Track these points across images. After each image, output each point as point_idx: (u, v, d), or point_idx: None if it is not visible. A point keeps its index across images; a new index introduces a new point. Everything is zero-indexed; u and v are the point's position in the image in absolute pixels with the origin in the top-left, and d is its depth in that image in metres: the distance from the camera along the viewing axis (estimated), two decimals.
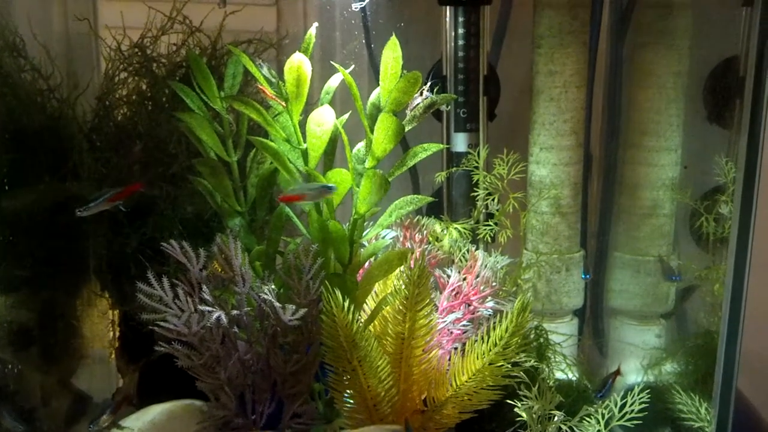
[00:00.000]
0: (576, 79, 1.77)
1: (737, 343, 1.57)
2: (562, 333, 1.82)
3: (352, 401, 1.45)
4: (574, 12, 1.75)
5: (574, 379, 1.78)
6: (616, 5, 1.87)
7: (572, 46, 1.76)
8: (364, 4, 1.59)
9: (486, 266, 1.61)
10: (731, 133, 1.85)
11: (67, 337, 1.83)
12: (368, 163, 1.47)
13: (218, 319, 1.34)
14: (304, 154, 1.49)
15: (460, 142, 1.82)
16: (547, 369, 1.69)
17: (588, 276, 1.84)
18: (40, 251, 1.69)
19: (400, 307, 1.40)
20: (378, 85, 1.46)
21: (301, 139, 1.49)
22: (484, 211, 1.77)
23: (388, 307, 1.45)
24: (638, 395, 1.57)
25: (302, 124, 1.48)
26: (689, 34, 1.79)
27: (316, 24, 1.49)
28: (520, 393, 1.55)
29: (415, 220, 1.71)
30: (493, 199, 1.75)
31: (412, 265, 1.38)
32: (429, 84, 1.47)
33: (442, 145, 1.62)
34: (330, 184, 1.43)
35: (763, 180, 1.52)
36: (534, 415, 1.48)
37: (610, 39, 1.89)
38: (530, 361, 1.59)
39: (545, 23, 1.76)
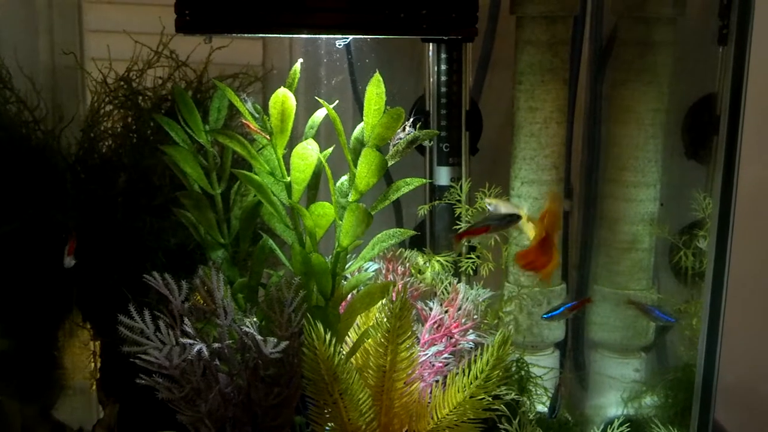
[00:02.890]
0: (556, 115, 1.80)
1: (714, 376, 1.59)
2: (543, 366, 1.83)
3: None
4: (555, 49, 1.78)
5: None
6: (595, 43, 1.91)
7: (552, 83, 1.79)
8: (347, 41, 1.62)
9: (468, 299, 1.62)
10: (708, 169, 1.88)
11: (48, 367, 1.82)
12: (351, 197, 1.49)
13: (199, 351, 1.34)
14: (288, 188, 1.51)
15: (443, 176, 1.84)
16: (528, 402, 1.70)
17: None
18: (22, 282, 1.69)
19: (382, 340, 1.41)
20: (362, 119, 1.48)
21: (285, 173, 1.50)
22: (466, 244, 1.79)
23: (369, 340, 1.46)
24: (618, 428, 1.59)
25: (286, 158, 1.49)
26: (668, 72, 1.83)
27: (301, 60, 1.51)
28: (501, 426, 1.56)
29: (398, 252, 1.72)
30: None
31: (394, 298, 1.39)
32: (412, 119, 1.50)
33: (424, 180, 1.64)
34: (516, 213, 1.40)
35: (739, 215, 1.55)
36: None
37: (590, 76, 1.93)
38: (511, 394, 1.60)
39: (526, 60, 1.79)
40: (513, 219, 1.49)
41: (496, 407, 1.46)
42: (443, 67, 1.78)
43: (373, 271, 1.62)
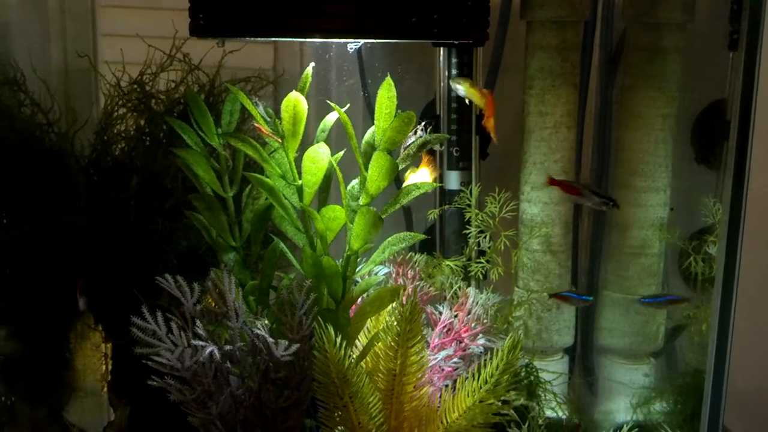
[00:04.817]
0: (566, 120, 1.81)
1: (723, 382, 1.59)
2: (552, 371, 1.83)
3: None
4: (565, 54, 1.78)
5: (564, 417, 1.79)
6: (605, 48, 1.91)
7: (563, 87, 1.79)
8: (358, 46, 1.63)
9: (477, 303, 1.62)
10: (719, 174, 1.88)
11: (59, 369, 1.83)
12: (362, 201, 1.49)
13: (211, 354, 1.35)
14: (299, 191, 1.51)
15: (453, 180, 1.84)
16: (537, 407, 1.70)
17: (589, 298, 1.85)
18: (34, 284, 1.70)
19: (392, 344, 1.41)
20: (373, 123, 1.48)
21: (297, 176, 1.51)
22: (476, 248, 1.79)
23: (379, 344, 1.46)
24: None
25: (298, 161, 1.50)
26: (677, 77, 1.83)
27: (312, 64, 1.52)
28: (510, 431, 1.56)
29: (408, 256, 1.72)
30: (484, 237, 1.77)
31: (404, 302, 1.40)
32: (423, 123, 1.50)
33: (435, 184, 1.64)
34: (614, 200, 1.51)
35: (749, 221, 1.55)
36: None
37: (600, 81, 1.93)
38: (521, 399, 1.60)
39: (536, 65, 1.80)
40: (608, 203, 1.52)
41: (505, 412, 1.46)
42: (454, 71, 1.79)
43: (383, 275, 1.62)
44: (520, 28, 1.85)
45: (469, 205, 1.78)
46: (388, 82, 1.44)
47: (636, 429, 1.68)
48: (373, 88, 1.93)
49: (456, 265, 1.77)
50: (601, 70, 1.92)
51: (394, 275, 1.69)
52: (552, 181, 1.60)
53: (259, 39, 1.60)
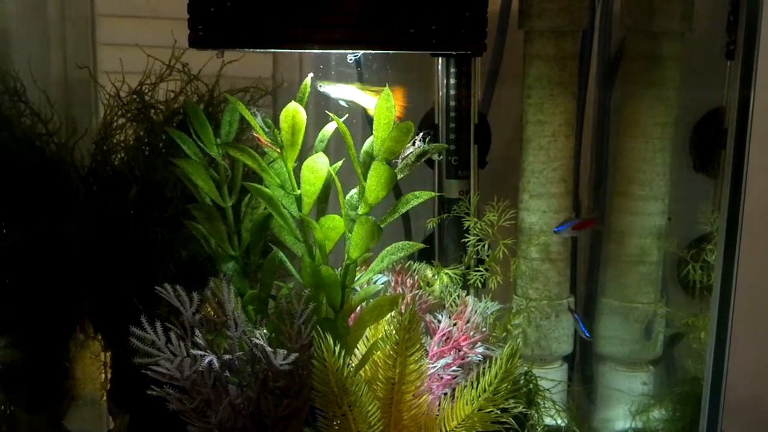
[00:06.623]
0: (565, 128, 1.81)
1: (721, 389, 1.59)
2: (551, 379, 1.83)
3: None
4: (563, 63, 1.79)
5: (563, 425, 1.79)
6: (603, 57, 1.92)
7: (561, 96, 1.80)
8: (358, 56, 1.64)
9: (476, 312, 1.63)
10: (716, 182, 1.89)
11: (59, 377, 1.83)
12: (361, 210, 1.50)
13: (210, 363, 1.35)
14: (298, 200, 1.52)
15: (452, 189, 1.85)
16: (536, 415, 1.70)
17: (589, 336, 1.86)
18: (33, 292, 1.70)
19: (391, 352, 1.42)
20: (371, 132, 1.49)
21: (295, 186, 1.51)
22: (474, 257, 1.80)
23: (378, 352, 1.46)
24: None
25: (297, 171, 1.50)
26: (675, 86, 1.84)
27: (311, 74, 1.53)
28: None
29: (407, 265, 1.73)
30: (483, 245, 1.78)
31: (403, 311, 1.40)
32: (421, 133, 1.51)
33: (433, 193, 1.65)
34: None
35: (746, 228, 1.56)
36: None
37: (598, 89, 1.94)
38: (519, 407, 1.60)
39: (534, 74, 1.81)
40: None
41: (504, 420, 1.46)
42: (452, 81, 1.80)
43: (382, 284, 1.62)
44: (519, 38, 1.85)
45: (467, 214, 1.78)
46: (387, 92, 1.45)
47: None
48: None
49: (455, 274, 1.77)
50: (600, 79, 1.93)
51: (393, 284, 1.69)
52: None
53: (258, 49, 1.61)
